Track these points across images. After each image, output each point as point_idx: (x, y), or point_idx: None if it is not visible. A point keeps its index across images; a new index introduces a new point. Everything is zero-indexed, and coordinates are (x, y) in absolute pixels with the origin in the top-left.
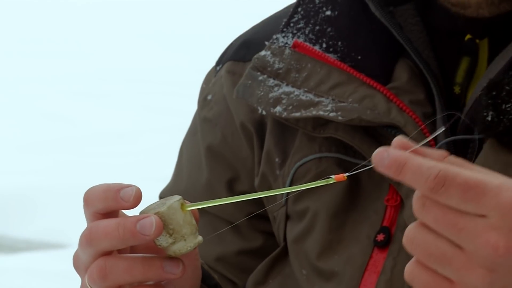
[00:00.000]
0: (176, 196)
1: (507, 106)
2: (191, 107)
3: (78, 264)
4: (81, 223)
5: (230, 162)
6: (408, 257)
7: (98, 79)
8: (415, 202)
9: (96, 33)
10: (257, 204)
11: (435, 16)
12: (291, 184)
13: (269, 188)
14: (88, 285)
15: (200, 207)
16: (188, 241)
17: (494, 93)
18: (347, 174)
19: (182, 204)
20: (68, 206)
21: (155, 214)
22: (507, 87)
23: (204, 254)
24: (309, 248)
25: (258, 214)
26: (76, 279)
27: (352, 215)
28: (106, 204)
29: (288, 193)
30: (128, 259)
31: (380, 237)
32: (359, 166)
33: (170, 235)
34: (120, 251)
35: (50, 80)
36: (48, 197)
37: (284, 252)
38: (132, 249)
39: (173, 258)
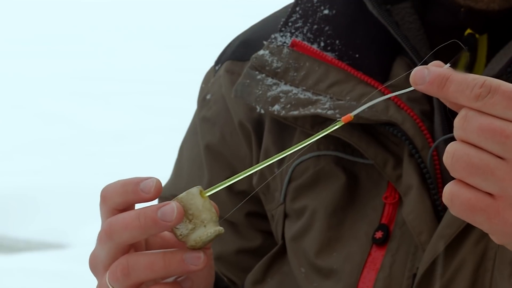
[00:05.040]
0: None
1: None
2: (191, 107)
3: (96, 264)
4: (81, 223)
5: (229, 161)
6: (407, 254)
7: (98, 79)
8: (457, 119)
9: (95, 33)
10: (256, 202)
11: (435, 12)
12: (289, 183)
13: (267, 186)
14: (109, 284)
15: (218, 189)
16: (208, 227)
17: None
18: (353, 113)
19: (201, 191)
20: (68, 206)
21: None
22: None
23: None
24: (308, 246)
25: (257, 212)
26: (76, 279)
27: (351, 212)
28: (126, 197)
29: (285, 192)
30: (149, 255)
31: (379, 234)
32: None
33: (190, 220)
34: (136, 249)
35: (50, 80)
36: (48, 197)
37: (282, 251)
38: (147, 247)
39: (194, 250)
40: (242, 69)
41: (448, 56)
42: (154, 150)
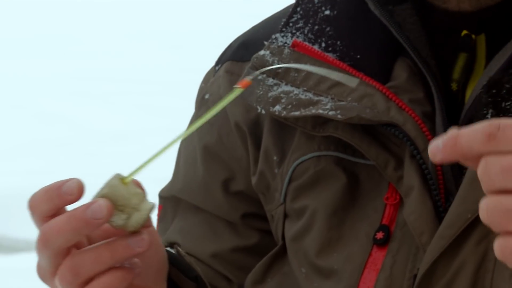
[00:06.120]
0: (114, 175)
1: (506, 104)
2: (191, 107)
3: (43, 273)
4: None
5: (226, 162)
6: (408, 254)
7: (98, 79)
8: (479, 172)
9: (95, 33)
10: (254, 203)
11: (432, 14)
12: (289, 183)
13: (268, 186)
14: (61, 287)
15: (137, 172)
16: (141, 210)
17: (494, 91)
18: (249, 77)
19: (121, 179)
20: (67, 206)
21: (99, 197)
22: (507, 85)
23: (200, 251)
24: (308, 246)
25: (254, 213)
26: None
27: (351, 213)
28: (51, 203)
29: (286, 192)
30: (93, 250)
31: (380, 235)
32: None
33: (122, 211)
34: (78, 247)
35: (50, 80)
36: None
37: (283, 251)
38: (90, 241)
39: (135, 233)
40: (241, 70)
41: (448, 57)
42: (154, 150)
